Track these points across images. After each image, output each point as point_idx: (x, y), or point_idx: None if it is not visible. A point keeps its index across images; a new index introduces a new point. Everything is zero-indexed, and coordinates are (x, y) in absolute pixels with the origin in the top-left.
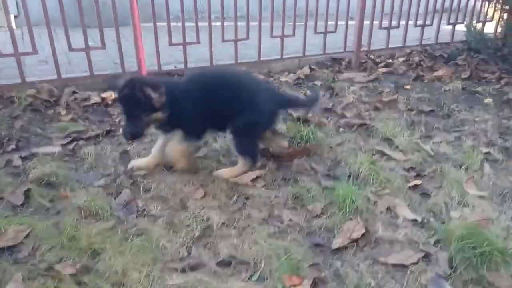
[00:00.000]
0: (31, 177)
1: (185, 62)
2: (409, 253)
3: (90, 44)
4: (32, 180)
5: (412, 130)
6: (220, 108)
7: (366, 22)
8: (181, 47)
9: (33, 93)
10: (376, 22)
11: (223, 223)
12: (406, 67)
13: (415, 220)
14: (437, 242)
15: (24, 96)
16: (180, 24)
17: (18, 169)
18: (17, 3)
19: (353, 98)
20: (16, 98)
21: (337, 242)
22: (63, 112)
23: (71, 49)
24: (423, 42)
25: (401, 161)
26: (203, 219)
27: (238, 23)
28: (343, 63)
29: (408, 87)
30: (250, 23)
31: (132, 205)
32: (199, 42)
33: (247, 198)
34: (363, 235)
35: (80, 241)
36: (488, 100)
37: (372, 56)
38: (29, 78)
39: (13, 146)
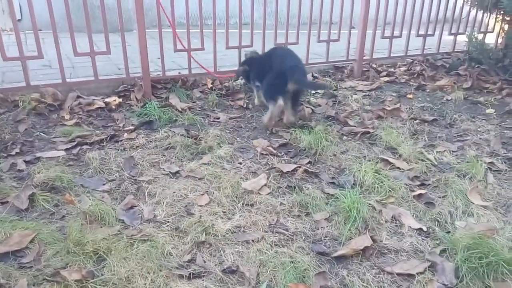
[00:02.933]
0: (35, 181)
1: (189, 68)
2: (415, 263)
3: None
4: (36, 184)
5: (416, 139)
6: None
7: (369, 31)
8: (184, 53)
9: (37, 97)
10: (378, 31)
11: (228, 230)
12: (408, 76)
13: (421, 229)
14: (443, 251)
15: (29, 100)
16: (184, 30)
17: (22, 173)
18: (20, 7)
19: (356, 106)
20: (20, 102)
21: (340, 251)
22: (67, 117)
23: (76, 53)
24: (425, 52)
25: (405, 170)
26: (208, 226)
27: (243, 31)
28: (346, 71)
29: (410, 96)
30: (255, 31)
31: (137, 210)
32: (203, 49)
33: (252, 205)
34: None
35: (85, 246)
36: (490, 110)
37: (374, 65)
38: (33, 82)
39: (17, 150)
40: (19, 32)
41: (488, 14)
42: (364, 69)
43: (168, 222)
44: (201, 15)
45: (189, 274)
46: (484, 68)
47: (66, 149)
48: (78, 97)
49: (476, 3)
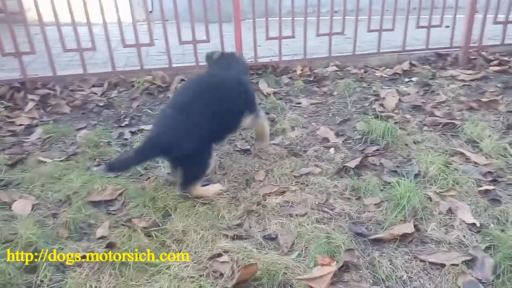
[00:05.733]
0: (134, 148)
1: (280, 55)
2: (454, 255)
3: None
4: None
5: (504, 134)
6: None
7: (479, 16)
8: (288, 40)
9: (150, 79)
10: (491, 16)
11: (278, 203)
12: None
13: (473, 224)
14: (488, 248)
15: (142, 81)
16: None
17: (127, 141)
18: (152, 1)
19: (448, 96)
20: (136, 82)
21: (379, 234)
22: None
23: (181, 41)
24: None
25: (481, 165)
26: (261, 198)
27: (334, 18)
28: (449, 59)
29: None
30: (346, 17)
31: (207, 179)
32: (294, 37)
33: (307, 185)
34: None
35: (157, 202)
36: None
37: (484, 53)
38: (147, 66)
39: (127, 122)
40: (150, 22)
41: None
42: (472, 57)
43: (229, 191)
44: (293, 3)
45: (234, 235)
46: None
47: None
48: (182, 80)
49: None
